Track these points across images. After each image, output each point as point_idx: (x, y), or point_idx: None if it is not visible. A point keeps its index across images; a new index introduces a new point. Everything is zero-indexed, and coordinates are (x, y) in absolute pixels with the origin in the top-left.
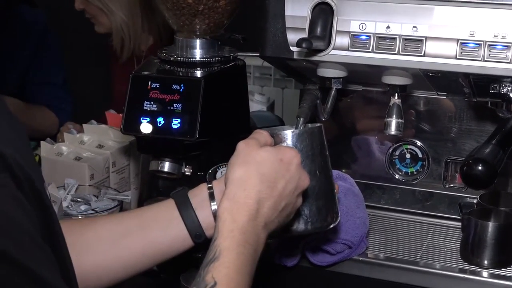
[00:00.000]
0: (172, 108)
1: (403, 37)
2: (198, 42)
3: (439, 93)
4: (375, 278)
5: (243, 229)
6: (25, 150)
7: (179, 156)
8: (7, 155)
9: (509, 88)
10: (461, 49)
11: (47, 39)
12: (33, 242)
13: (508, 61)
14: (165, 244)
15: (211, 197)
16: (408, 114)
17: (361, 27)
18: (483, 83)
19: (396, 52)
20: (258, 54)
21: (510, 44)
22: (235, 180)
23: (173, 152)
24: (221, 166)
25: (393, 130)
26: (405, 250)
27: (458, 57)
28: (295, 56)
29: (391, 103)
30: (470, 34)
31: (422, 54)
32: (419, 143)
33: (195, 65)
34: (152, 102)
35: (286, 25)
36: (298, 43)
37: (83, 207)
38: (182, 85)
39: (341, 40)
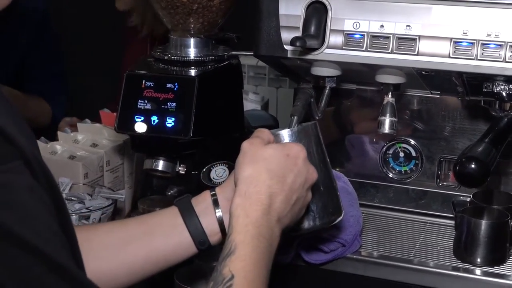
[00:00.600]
0: (166, 106)
1: (396, 36)
2: (192, 41)
3: (432, 92)
4: (368, 276)
5: (257, 223)
6: (35, 144)
7: (173, 155)
8: (23, 146)
9: (502, 86)
10: (454, 48)
11: (47, 27)
12: (49, 229)
13: (501, 60)
14: (168, 251)
15: (215, 203)
16: (401, 113)
17: (355, 26)
18: (476, 82)
19: (389, 51)
20: (252, 53)
21: (503, 43)
22: (245, 179)
23: (167, 150)
24: (216, 165)
25: (386, 128)
26: (398, 248)
27: (451, 56)
28: (289, 55)
29: (384, 102)
30: (463, 33)
31: (415, 53)
32: (412, 142)
33: (189, 64)
34: (146, 101)
35: (280, 24)
36: (292, 42)
37: (77, 206)
38: (176, 83)
39: (335, 39)
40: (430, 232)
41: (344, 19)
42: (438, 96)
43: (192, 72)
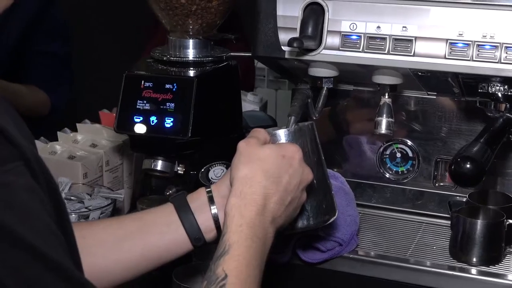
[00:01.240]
0: (165, 107)
1: (393, 37)
2: (191, 42)
3: (429, 93)
4: (365, 275)
5: (251, 224)
6: (34, 145)
7: (172, 155)
8: (23, 147)
9: (498, 87)
10: (450, 49)
11: (52, 4)
12: (48, 228)
13: (496, 61)
14: (164, 247)
15: (211, 200)
16: (398, 114)
17: (351, 27)
18: (472, 83)
19: (386, 52)
20: (250, 54)
21: (498, 44)
22: (241, 179)
23: (166, 151)
24: (214, 165)
25: (383, 129)
26: (395, 248)
27: (447, 57)
28: (286, 56)
29: (381, 103)
30: (459, 34)
31: (411, 54)
32: (409, 142)
33: (188, 64)
34: (145, 101)
35: (278, 25)
36: (289, 43)
37: (76, 206)
38: (175, 84)
39: (332, 40)
40: (427, 232)
41: (341, 20)
42: (435, 97)
43: (191, 72)
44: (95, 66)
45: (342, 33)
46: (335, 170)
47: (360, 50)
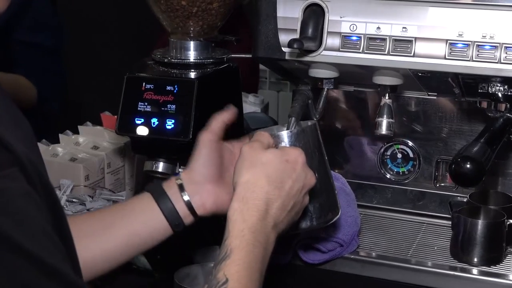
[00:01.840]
0: (166, 109)
1: (393, 37)
2: (192, 43)
3: (429, 93)
4: (366, 276)
5: (252, 229)
6: (33, 147)
7: (173, 157)
8: (18, 151)
9: (498, 87)
10: (450, 49)
11: None
12: (44, 233)
13: (496, 61)
14: (146, 235)
15: (181, 188)
16: (399, 114)
17: (351, 28)
18: (472, 83)
19: (386, 52)
20: (251, 55)
21: (498, 44)
22: (243, 184)
23: (167, 152)
24: None
25: (384, 130)
26: (396, 248)
27: (447, 57)
28: (287, 57)
29: (382, 103)
30: (459, 35)
31: (411, 54)
32: (410, 143)
33: (189, 66)
34: (146, 103)
35: (278, 26)
36: (290, 44)
37: (78, 208)
38: (176, 86)
39: (332, 41)
40: (427, 232)
41: (341, 21)
42: (435, 97)
43: (192, 74)
44: (97, 68)
45: (342, 34)
46: (336, 171)
47: (360, 51)
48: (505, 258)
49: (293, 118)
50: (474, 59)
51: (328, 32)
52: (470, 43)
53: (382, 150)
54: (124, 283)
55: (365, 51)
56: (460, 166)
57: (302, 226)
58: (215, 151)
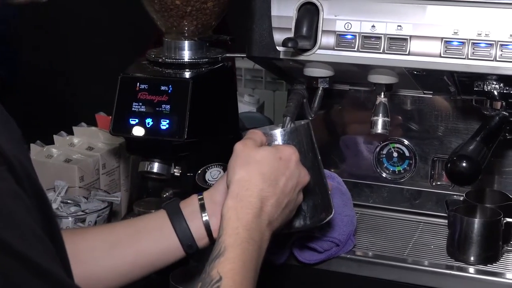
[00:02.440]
0: (160, 109)
1: (388, 36)
2: (186, 43)
3: (425, 92)
4: (362, 275)
5: (247, 226)
6: (21, 148)
7: (168, 157)
8: (6, 151)
9: (493, 85)
10: (445, 47)
11: None
12: (33, 234)
13: (492, 59)
14: (156, 254)
15: (202, 208)
16: (394, 113)
17: (346, 26)
18: (467, 81)
19: (381, 51)
20: (245, 55)
21: (493, 42)
22: (237, 181)
23: (162, 153)
24: (210, 167)
25: (379, 128)
26: (392, 248)
27: (442, 55)
28: (281, 56)
29: (377, 102)
30: (454, 33)
31: (407, 52)
32: (406, 142)
33: (183, 66)
34: (140, 104)
35: (272, 25)
36: (284, 43)
37: (73, 209)
38: (170, 86)
39: (326, 40)
40: (424, 231)
41: (335, 19)
42: (431, 96)
43: (186, 74)
44: (91, 69)
45: (337, 32)
46: (332, 170)
47: (355, 49)
48: (502, 256)
49: (288, 118)
50: (469, 57)
51: (323, 31)
52: (465, 41)
53: (377, 149)
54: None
55: (360, 50)
56: (456, 165)
57: (296, 225)
58: None
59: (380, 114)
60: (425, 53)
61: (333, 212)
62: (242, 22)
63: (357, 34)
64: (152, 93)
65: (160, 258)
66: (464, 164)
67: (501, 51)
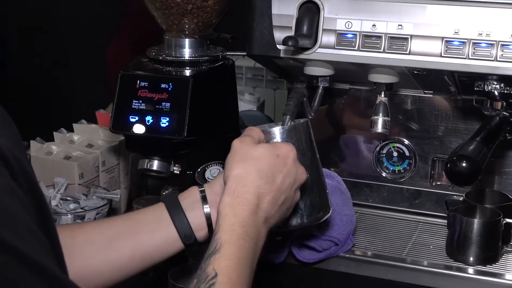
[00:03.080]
0: (160, 106)
1: (388, 35)
2: (187, 41)
3: (425, 91)
4: (361, 275)
5: (243, 223)
6: (17, 143)
7: (168, 155)
8: (2, 146)
9: (494, 85)
10: (446, 47)
11: None
12: (28, 229)
13: (492, 59)
14: (154, 246)
15: (204, 199)
16: (395, 113)
17: (347, 25)
18: (468, 81)
19: (381, 50)
20: (246, 53)
21: (494, 42)
22: (234, 177)
23: (161, 150)
24: (210, 165)
25: (379, 128)
26: (391, 248)
27: (443, 55)
28: (281, 55)
29: (377, 101)
30: (455, 32)
31: (407, 52)
32: (406, 142)
33: (183, 64)
34: (140, 101)
35: (273, 24)
36: (284, 41)
37: (72, 206)
38: (170, 83)
39: (327, 39)
40: (423, 231)
41: (336, 18)
42: (431, 95)
43: (187, 72)
44: (91, 66)
45: (337, 31)
46: (332, 169)
47: (356, 48)
48: (501, 257)
49: (287, 116)
50: (470, 56)
51: (323, 30)
52: (466, 40)
53: (377, 148)
54: (118, 282)
55: (361, 49)
56: (455, 165)
57: (293, 223)
58: None
59: (380, 114)
60: (425, 53)
61: (330, 212)
62: (243, 21)
63: (357, 33)
64: (152, 90)
65: (158, 250)
66: (464, 164)
67: (502, 51)
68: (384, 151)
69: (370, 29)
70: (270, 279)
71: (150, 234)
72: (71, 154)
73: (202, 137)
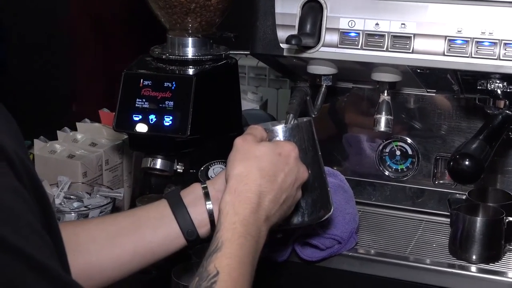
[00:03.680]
0: (164, 105)
1: (391, 34)
2: (190, 40)
3: (428, 90)
4: (364, 273)
5: (244, 221)
6: (20, 143)
7: (171, 154)
8: (6, 146)
9: (497, 84)
10: (449, 45)
11: None
12: (32, 229)
13: (495, 57)
14: (156, 242)
15: (206, 196)
16: (398, 111)
17: (350, 24)
18: (471, 80)
19: (384, 49)
20: (249, 52)
21: (497, 41)
22: (236, 176)
23: (165, 149)
24: (213, 163)
25: (382, 126)
26: (394, 246)
27: (446, 53)
28: (285, 53)
29: (380, 100)
30: (458, 31)
31: (410, 50)
32: (409, 140)
33: (187, 63)
34: (144, 100)
35: (276, 23)
36: (288, 40)
37: (75, 204)
38: (174, 82)
39: (330, 37)
40: (426, 230)
41: (339, 17)
42: (434, 94)
43: (190, 71)
44: (95, 65)
45: (340, 30)
46: (335, 168)
47: (359, 47)
48: (504, 255)
49: (291, 115)
50: (473, 55)
51: (327, 28)
52: (469, 39)
53: (380, 147)
54: (122, 280)
55: (364, 48)
56: (458, 163)
57: (294, 221)
58: None
59: (383, 112)
60: (428, 51)
61: (332, 211)
62: (246, 19)
63: (360, 32)
64: (155, 89)
65: (161, 246)
66: (466, 163)
67: (505, 49)
68: (387, 150)
69: (373, 28)
70: (273, 278)
71: (152, 230)
72: (75, 153)
73: (205, 136)
